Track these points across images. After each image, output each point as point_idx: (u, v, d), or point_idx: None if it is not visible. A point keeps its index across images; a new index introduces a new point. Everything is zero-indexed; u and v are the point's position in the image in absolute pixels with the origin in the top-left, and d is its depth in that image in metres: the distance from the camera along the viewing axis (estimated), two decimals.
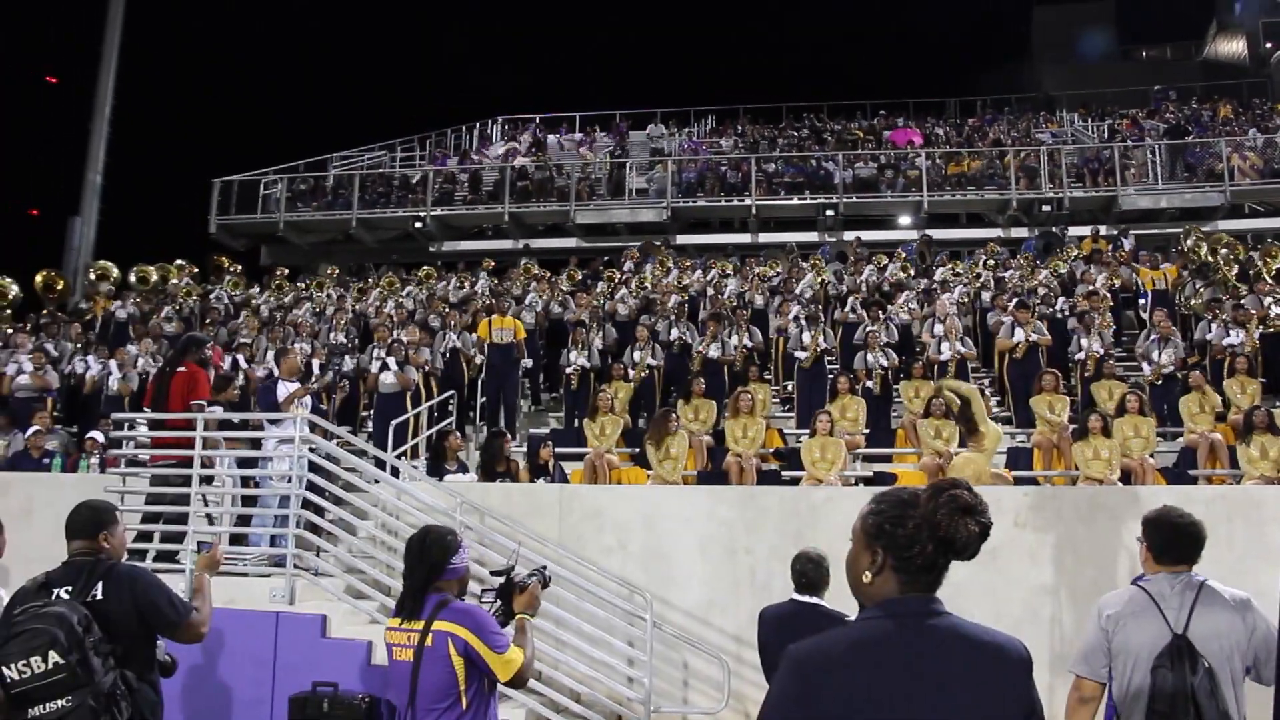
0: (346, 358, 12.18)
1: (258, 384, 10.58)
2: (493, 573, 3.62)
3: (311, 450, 7.06)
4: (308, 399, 8.45)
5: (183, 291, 15.66)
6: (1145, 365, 10.95)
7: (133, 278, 16.51)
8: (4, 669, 3.35)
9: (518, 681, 3.36)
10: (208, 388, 7.57)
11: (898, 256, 16.07)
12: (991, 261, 15.69)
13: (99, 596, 3.56)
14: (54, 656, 3.33)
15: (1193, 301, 12.93)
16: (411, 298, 15.72)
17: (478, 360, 12.29)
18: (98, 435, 10.17)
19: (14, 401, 11.49)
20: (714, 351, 11.88)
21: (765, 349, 12.94)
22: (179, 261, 17.76)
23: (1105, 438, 8.89)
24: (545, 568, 3.81)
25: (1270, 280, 12.43)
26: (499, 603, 3.57)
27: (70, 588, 3.56)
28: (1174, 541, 3.43)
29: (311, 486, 6.94)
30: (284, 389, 8.30)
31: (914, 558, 1.91)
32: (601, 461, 9.69)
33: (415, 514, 7.03)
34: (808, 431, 9.71)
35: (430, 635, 3.28)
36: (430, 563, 3.42)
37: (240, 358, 12.00)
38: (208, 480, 7.24)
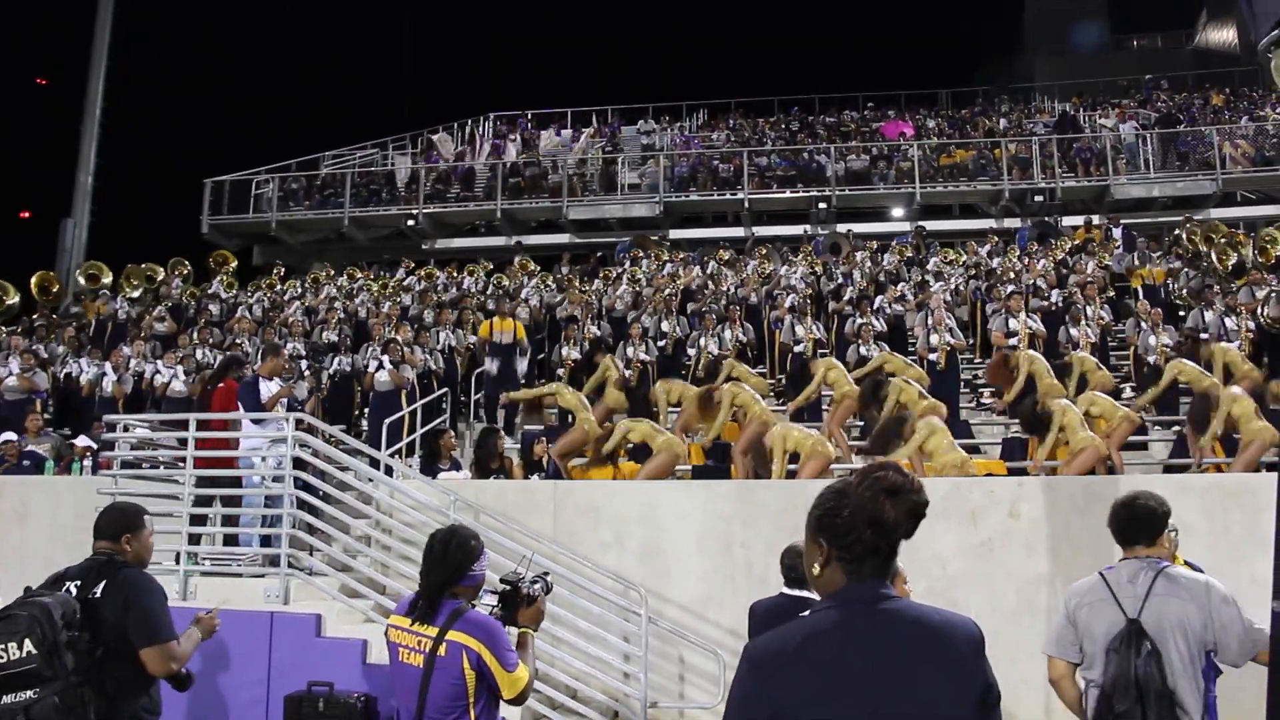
0: (340, 358, 12.14)
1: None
2: (502, 579, 3.52)
3: (303, 449, 7.02)
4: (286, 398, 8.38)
5: (177, 291, 15.60)
6: (1149, 356, 10.91)
7: (122, 279, 16.43)
8: None
9: (519, 700, 3.28)
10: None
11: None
12: (987, 249, 15.67)
13: (98, 595, 3.60)
14: (29, 645, 3.35)
15: (1185, 290, 12.95)
16: (410, 293, 15.71)
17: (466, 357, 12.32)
18: (90, 443, 9.99)
19: (2, 404, 11.43)
20: (711, 347, 11.86)
21: (759, 345, 12.93)
22: (173, 260, 17.71)
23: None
24: (548, 574, 3.67)
25: (1262, 271, 12.45)
26: (499, 606, 3.44)
27: (80, 583, 3.63)
28: (1126, 522, 3.54)
29: (305, 485, 6.90)
30: (266, 388, 8.19)
31: (853, 545, 1.91)
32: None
33: (409, 512, 7.01)
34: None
35: (444, 645, 3.17)
36: (451, 567, 3.29)
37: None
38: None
